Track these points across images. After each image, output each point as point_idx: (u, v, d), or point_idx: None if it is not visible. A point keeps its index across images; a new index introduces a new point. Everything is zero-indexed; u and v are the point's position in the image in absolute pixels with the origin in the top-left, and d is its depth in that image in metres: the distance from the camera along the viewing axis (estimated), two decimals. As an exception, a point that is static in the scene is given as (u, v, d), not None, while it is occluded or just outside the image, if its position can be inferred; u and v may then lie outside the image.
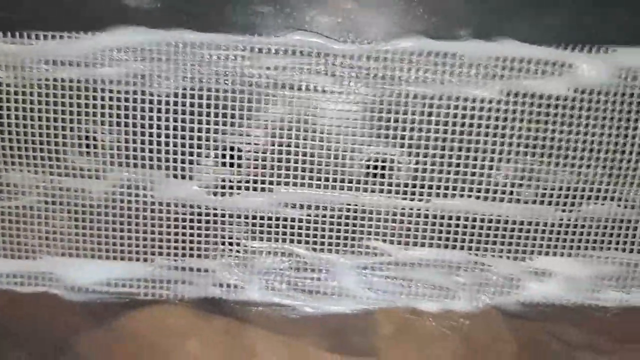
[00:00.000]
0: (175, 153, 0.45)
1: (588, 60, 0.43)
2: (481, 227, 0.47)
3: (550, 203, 0.46)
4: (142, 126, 0.44)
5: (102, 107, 0.44)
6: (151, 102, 0.44)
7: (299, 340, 0.50)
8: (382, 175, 0.46)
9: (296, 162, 0.45)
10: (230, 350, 0.49)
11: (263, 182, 0.46)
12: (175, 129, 0.44)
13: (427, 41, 0.43)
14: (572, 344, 0.51)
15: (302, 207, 0.47)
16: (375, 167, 0.46)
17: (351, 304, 0.49)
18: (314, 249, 0.48)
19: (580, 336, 0.50)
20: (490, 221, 0.47)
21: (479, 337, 0.50)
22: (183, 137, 0.44)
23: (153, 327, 0.49)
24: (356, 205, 0.47)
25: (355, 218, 0.47)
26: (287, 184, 0.46)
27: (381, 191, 0.46)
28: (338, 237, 0.47)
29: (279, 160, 0.46)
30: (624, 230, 0.47)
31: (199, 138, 0.44)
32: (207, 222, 0.46)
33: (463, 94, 0.44)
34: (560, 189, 0.46)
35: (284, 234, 0.47)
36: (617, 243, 0.47)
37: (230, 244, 0.47)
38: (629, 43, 0.43)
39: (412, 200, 0.46)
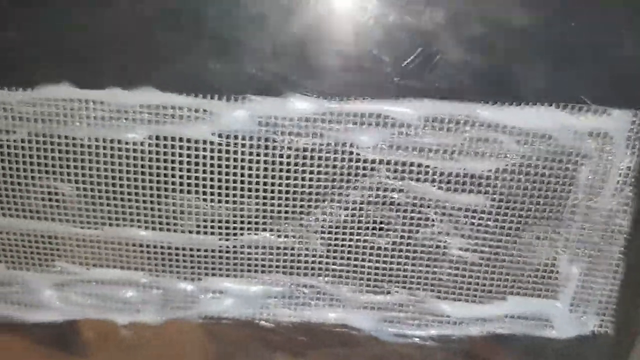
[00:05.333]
0: None
1: (226, 108, 0.47)
2: (155, 253, 0.52)
3: (211, 233, 0.51)
4: None
5: None
6: None
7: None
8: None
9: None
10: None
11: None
12: None
13: (74, 89, 0.47)
14: (271, 346, 0.57)
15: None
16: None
17: (52, 315, 0.54)
18: (7, 267, 0.53)
19: (277, 339, 0.56)
20: (161, 247, 0.51)
21: (172, 345, 0.56)
22: None
23: None
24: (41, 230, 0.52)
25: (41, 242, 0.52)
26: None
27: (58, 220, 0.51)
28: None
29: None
30: (282, 256, 0.51)
31: None
32: None
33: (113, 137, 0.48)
34: (220, 221, 0.50)
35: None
36: (279, 267, 0.52)
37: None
38: (262, 93, 0.46)
39: (86, 228, 0.51)
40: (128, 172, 0.49)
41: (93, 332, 0.56)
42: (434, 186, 0.48)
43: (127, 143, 0.48)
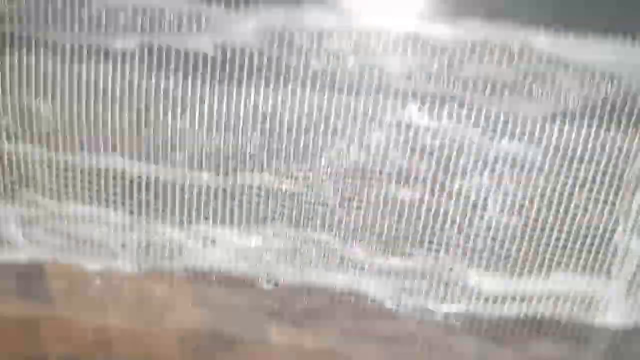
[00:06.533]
0: None
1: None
2: (139, 189, 0.44)
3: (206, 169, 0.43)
4: None
5: None
6: None
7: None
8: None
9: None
10: None
11: None
12: None
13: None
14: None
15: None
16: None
17: (12, 253, 0.47)
18: (-31, 195, 0.45)
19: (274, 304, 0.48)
20: (146, 182, 0.44)
21: (153, 297, 0.48)
22: None
23: None
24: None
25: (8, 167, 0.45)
26: None
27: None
28: (-7, 187, 0.45)
29: None
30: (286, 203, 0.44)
31: None
32: None
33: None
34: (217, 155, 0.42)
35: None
36: (281, 216, 0.44)
37: None
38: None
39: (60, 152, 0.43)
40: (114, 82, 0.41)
41: (63, 280, 0.48)
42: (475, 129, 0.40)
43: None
